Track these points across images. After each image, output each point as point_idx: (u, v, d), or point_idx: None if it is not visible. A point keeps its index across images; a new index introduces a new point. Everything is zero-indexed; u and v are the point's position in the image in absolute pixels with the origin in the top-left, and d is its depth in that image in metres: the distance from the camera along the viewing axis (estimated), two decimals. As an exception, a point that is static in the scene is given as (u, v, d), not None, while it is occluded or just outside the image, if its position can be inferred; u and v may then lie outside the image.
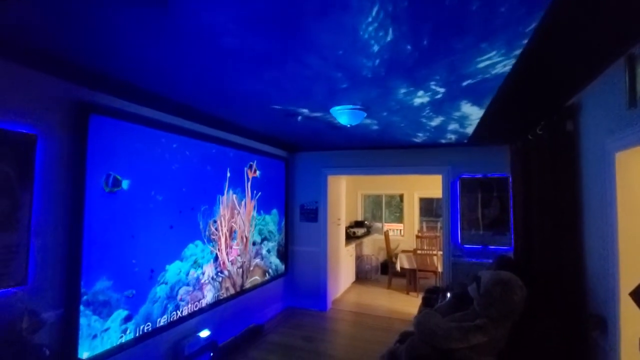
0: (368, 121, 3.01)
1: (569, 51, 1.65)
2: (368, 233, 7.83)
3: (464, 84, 2.09)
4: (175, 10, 1.37)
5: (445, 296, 3.34)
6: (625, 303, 1.62)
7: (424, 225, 8.38)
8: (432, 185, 7.58)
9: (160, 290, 2.84)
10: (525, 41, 1.54)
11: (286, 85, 2.15)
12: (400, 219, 8.53)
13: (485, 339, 2.06)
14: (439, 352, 2.15)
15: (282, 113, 2.78)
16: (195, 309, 3.17)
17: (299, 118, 2.85)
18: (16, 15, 1.41)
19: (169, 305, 2.89)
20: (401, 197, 8.38)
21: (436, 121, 3.02)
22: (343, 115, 2.56)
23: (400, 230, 8.32)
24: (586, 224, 2.10)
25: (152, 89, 2.30)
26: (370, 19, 1.40)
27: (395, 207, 8.86)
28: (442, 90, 2.22)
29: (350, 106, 2.51)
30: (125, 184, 2.46)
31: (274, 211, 4.73)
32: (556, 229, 2.33)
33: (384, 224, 8.53)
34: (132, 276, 2.55)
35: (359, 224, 7.82)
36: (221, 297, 3.54)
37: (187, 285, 3.10)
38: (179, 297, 3.00)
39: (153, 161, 2.74)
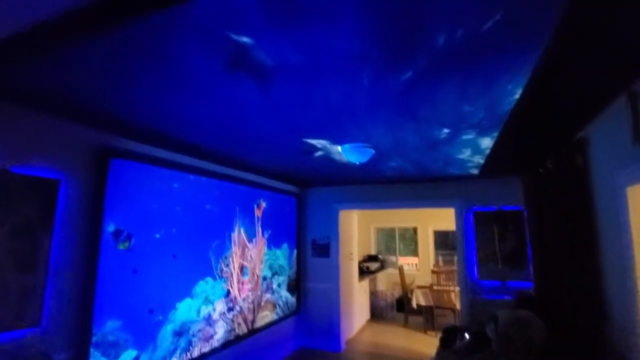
0: (394, 164, 3.03)
1: (571, 86, 1.70)
2: (382, 268, 7.64)
3: (473, 119, 2.14)
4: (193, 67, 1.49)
5: (463, 336, 3.18)
6: (654, 347, 1.52)
7: (440, 258, 8.14)
8: (446, 218, 7.46)
9: (170, 329, 2.81)
10: (529, 74, 1.57)
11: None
12: (414, 252, 8.33)
13: (506, 385, 1.94)
14: (457, 399, 2.03)
15: (304, 149, 2.83)
16: (205, 350, 3.10)
17: (318, 153, 2.88)
18: (51, 75, 1.55)
19: (179, 343, 2.84)
20: (415, 230, 8.24)
21: (448, 154, 3.05)
22: (352, 153, 2.62)
23: (416, 264, 8.10)
24: (603, 260, 2.02)
25: (171, 134, 2.43)
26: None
27: (410, 239, 8.68)
28: (452, 128, 2.27)
29: (359, 144, 2.58)
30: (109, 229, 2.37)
31: (285, 245, 4.71)
32: (573, 265, 2.25)
33: (399, 257, 8.33)
34: (141, 315, 2.54)
35: (372, 258, 7.67)
36: (233, 334, 3.47)
37: (198, 322, 3.06)
38: (190, 333, 2.96)
39: (166, 199, 2.83)
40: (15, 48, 1.31)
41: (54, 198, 2.01)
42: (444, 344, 3.27)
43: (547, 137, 2.52)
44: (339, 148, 2.66)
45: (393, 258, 8.39)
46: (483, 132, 2.41)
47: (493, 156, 3.10)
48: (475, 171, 3.76)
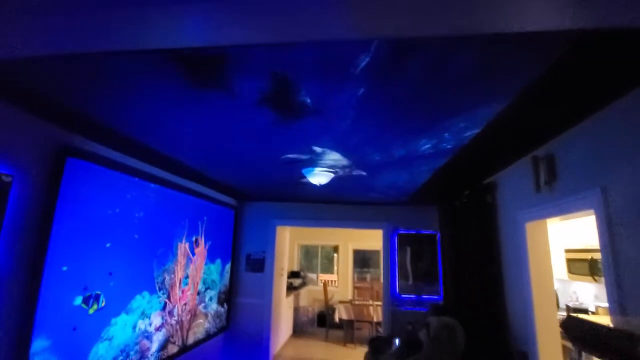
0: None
1: (490, 151, 2.29)
2: (304, 284, 7.90)
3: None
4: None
5: (390, 343, 3.62)
6: (542, 341, 2.11)
7: (355, 276, 8.78)
8: (366, 238, 8.16)
9: (102, 348, 2.57)
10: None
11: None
12: (330, 270, 8.85)
13: (437, 379, 2.37)
14: (397, 396, 2.38)
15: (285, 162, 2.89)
16: (138, 370, 2.89)
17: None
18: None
19: (113, 366, 2.61)
20: (336, 248, 8.77)
21: (386, 181, 3.53)
22: (315, 176, 2.88)
23: (334, 281, 8.58)
24: (506, 276, 2.67)
25: (141, 141, 2.36)
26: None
27: (325, 257, 9.19)
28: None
29: (323, 168, 2.86)
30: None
31: (218, 261, 4.65)
32: (483, 282, 2.87)
33: (319, 274, 8.72)
34: (74, 332, 2.28)
35: (294, 274, 7.88)
36: (166, 353, 3.27)
37: (133, 338, 2.86)
38: (125, 351, 2.74)
39: (120, 205, 2.65)
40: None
41: (6, 196, 1.77)
42: (375, 351, 3.67)
43: (463, 179, 3.19)
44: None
45: (312, 275, 8.74)
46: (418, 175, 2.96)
47: (421, 189, 3.71)
48: (405, 199, 4.37)
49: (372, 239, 8.21)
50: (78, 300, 2.26)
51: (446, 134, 2.00)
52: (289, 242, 8.28)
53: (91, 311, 2.36)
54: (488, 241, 2.89)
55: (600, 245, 1.61)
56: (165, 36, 1.22)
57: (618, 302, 1.47)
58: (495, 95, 1.55)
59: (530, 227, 2.32)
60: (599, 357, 1.22)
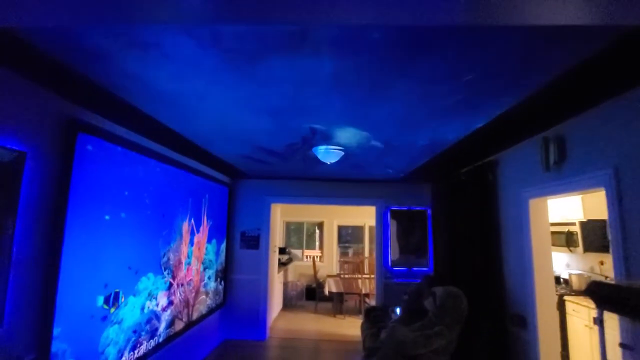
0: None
1: (501, 132, 2.41)
2: (290, 260, 8.05)
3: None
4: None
5: (386, 313, 3.84)
6: (541, 305, 2.34)
7: (338, 251, 9.04)
8: (350, 214, 8.36)
9: (112, 332, 2.53)
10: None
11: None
12: (312, 246, 9.06)
13: (444, 342, 2.57)
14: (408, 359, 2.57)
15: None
16: (149, 348, 2.90)
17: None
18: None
19: (124, 345, 2.60)
20: (320, 224, 8.92)
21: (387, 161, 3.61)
22: (325, 154, 2.90)
23: (319, 256, 8.79)
24: (505, 247, 2.87)
25: (151, 115, 2.25)
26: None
27: (305, 233, 9.37)
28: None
29: (333, 147, 2.88)
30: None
31: (214, 241, 4.63)
32: (481, 252, 3.08)
33: (304, 250, 8.89)
34: (82, 319, 2.15)
35: (281, 250, 7.97)
36: (173, 330, 3.29)
37: (142, 318, 2.84)
38: (135, 334, 2.72)
39: (128, 183, 2.56)
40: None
41: (20, 173, 1.66)
42: (375, 320, 3.87)
43: (463, 158, 3.33)
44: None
45: (295, 251, 8.90)
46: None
47: (417, 168, 3.84)
48: (399, 177, 4.50)
49: (357, 215, 8.43)
50: (100, 301, 2.24)
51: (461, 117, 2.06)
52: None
53: (112, 310, 2.37)
54: (487, 215, 3.08)
55: (609, 221, 1.79)
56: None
57: (625, 270, 1.66)
58: (519, 85, 1.61)
59: (534, 203, 2.50)
60: (619, 313, 1.40)
